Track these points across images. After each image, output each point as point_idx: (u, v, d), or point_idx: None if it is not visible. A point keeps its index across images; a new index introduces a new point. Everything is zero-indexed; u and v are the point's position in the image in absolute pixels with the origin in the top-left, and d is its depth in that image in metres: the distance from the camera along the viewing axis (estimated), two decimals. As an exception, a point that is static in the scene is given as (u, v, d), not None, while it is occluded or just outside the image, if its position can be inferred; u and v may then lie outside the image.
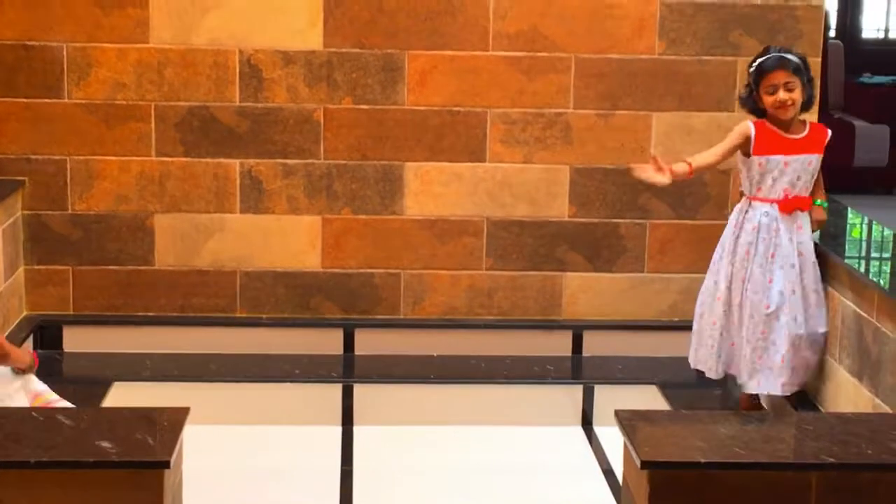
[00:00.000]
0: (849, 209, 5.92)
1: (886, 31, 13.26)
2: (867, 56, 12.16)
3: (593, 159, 5.90)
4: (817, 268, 5.01)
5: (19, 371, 4.25)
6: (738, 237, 5.04)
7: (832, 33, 12.44)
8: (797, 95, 4.91)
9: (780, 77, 4.90)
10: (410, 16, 5.75)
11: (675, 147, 5.88)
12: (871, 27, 13.21)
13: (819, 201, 5.08)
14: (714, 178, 5.92)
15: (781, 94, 4.89)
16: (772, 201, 4.97)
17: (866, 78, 11.47)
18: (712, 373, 5.15)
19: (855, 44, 12.46)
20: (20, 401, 4.22)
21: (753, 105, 5.04)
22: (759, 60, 4.98)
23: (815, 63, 5.82)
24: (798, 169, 4.95)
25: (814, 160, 4.99)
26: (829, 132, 5.04)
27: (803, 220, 5.01)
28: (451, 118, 5.84)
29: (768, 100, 4.94)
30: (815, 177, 5.04)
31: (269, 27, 5.73)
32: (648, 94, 5.85)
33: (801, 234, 5.00)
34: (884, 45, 13.16)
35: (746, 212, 5.03)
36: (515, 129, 5.86)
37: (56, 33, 5.67)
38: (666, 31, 5.80)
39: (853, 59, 11.42)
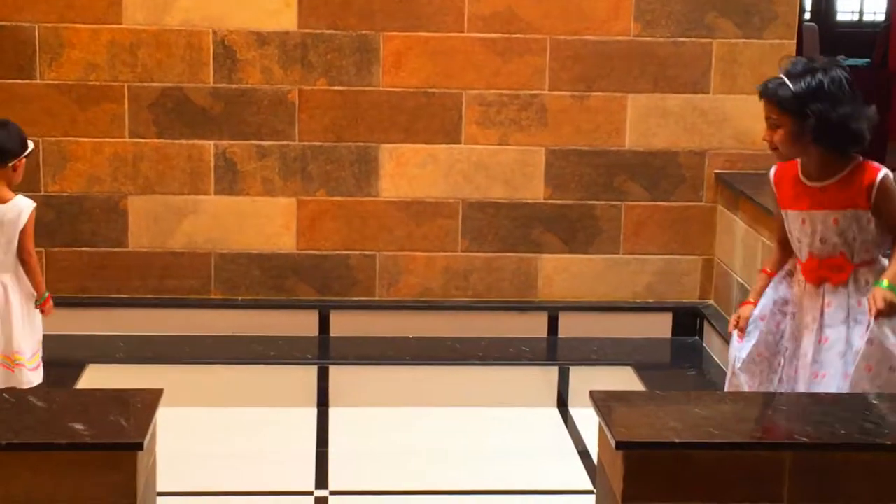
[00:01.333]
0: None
1: (861, 13, 13.31)
2: (841, 39, 12.20)
3: (569, 141, 5.90)
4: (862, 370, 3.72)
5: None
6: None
7: (807, 16, 12.48)
8: (780, 136, 3.73)
9: (765, 109, 3.81)
10: (385, -4, 5.73)
11: (650, 129, 5.88)
12: (846, 10, 13.26)
13: (886, 283, 3.67)
14: (688, 159, 5.92)
15: (765, 132, 3.83)
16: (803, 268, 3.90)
17: (841, 60, 11.47)
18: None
19: (830, 26, 12.51)
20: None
21: None
22: None
23: (790, 45, 5.85)
24: (820, 229, 3.79)
25: (841, 218, 3.75)
26: (883, 175, 3.73)
27: (834, 297, 3.82)
28: (427, 100, 5.82)
29: None
30: (870, 239, 3.77)
31: (244, 8, 5.70)
32: (624, 76, 5.85)
33: (829, 317, 3.82)
34: (858, 27, 13.21)
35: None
36: (491, 110, 5.85)
37: (28, 13, 5.62)
38: (641, 12, 5.80)
39: (828, 42, 11.44)
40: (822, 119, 3.66)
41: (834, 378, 3.77)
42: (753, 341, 3.95)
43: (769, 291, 3.98)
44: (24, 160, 4.59)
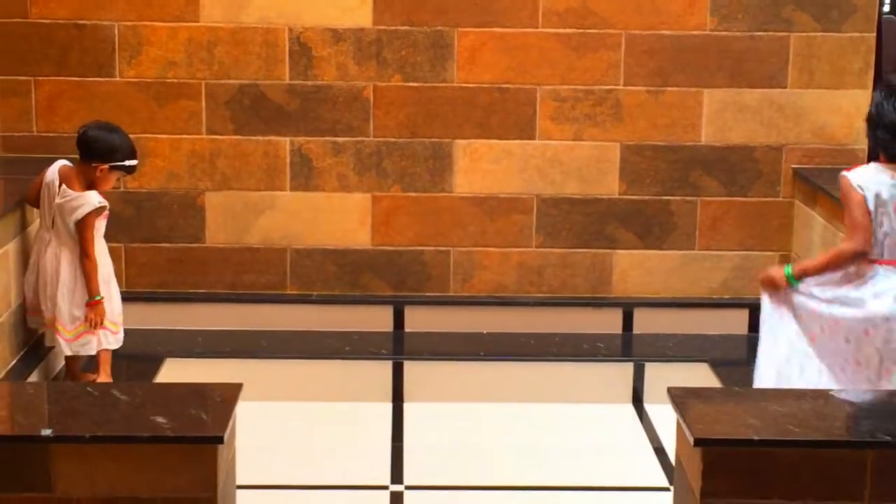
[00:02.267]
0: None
1: (942, 5, 13.07)
2: (922, 31, 11.98)
3: (644, 136, 5.86)
4: None
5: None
6: None
7: (886, 8, 12.27)
8: None
9: None
10: (460, -8, 5.74)
11: (726, 124, 5.83)
12: (927, 1, 13.03)
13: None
14: (765, 154, 5.87)
15: None
16: None
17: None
18: None
19: (909, 19, 12.28)
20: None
21: None
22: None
23: (870, 39, 5.77)
24: None
25: None
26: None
27: None
28: (501, 95, 5.82)
29: None
30: None
31: (319, 5, 5.73)
32: (700, 71, 5.80)
33: None
34: (939, 19, 12.96)
35: None
36: (565, 106, 5.83)
37: (107, 12, 5.70)
38: (717, 6, 5.75)
39: (908, 35, 11.25)
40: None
41: None
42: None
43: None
44: (107, 170, 4.85)
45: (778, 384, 4.33)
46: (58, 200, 4.86)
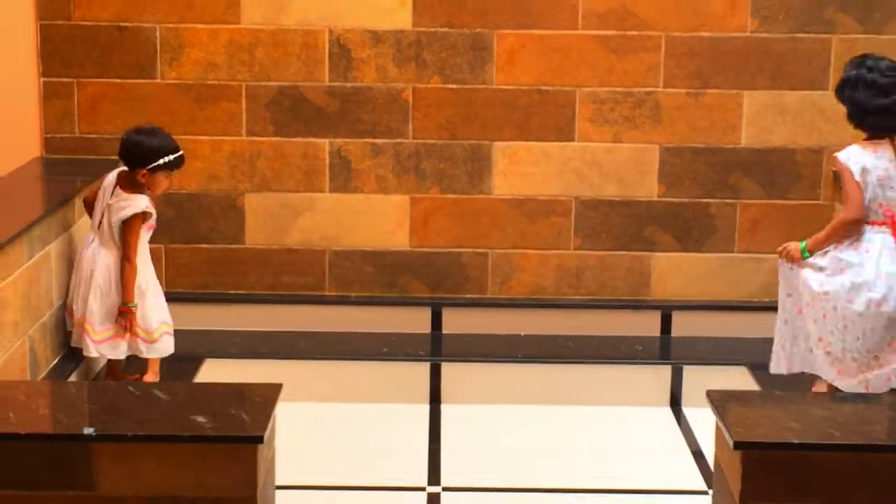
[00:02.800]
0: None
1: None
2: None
3: (683, 138, 5.85)
4: None
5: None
6: None
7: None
8: None
9: None
10: (499, -6, 5.74)
11: (766, 126, 5.81)
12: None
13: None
14: (805, 157, 5.84)
15: None
16: None
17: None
18: None
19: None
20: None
21: None
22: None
23: (914, 40, 5.74)
24: None
25: None
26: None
27: None
28: (540, 97, 5.82)
29: None
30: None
31: (359, 7, 5.75)
32: (740, 73, 5.78)
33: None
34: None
35: None
36: (604, 108, 5.82)
37: (149, 14, 5.74)
38: (758, 8, 5.73)
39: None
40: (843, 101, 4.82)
41: None
42: None
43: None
44: (149, 174, 4.90)
45: (782, 359, 4.97)
46: (109, 201, 4.90)
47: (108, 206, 4.92)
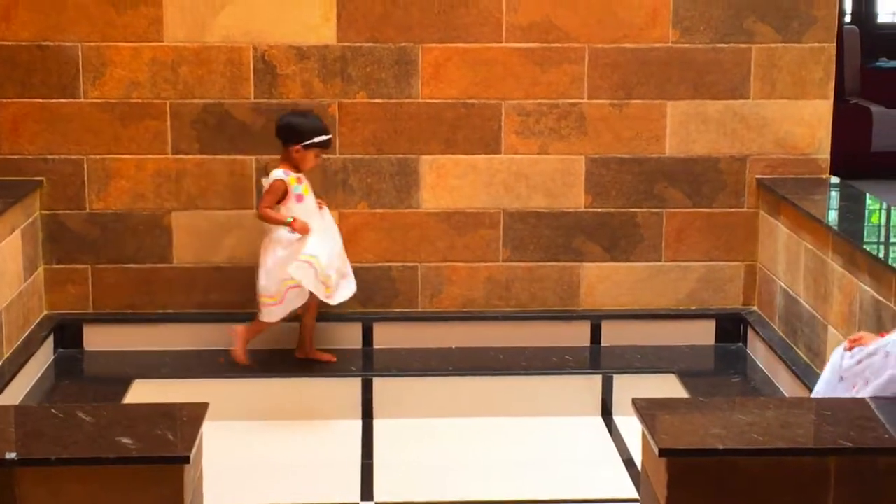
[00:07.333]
0: (867, 195, 5.90)
1: (903, 15, 13.19)
2: (883, 41, 12.11)
3: (608, 149, 5.89)
4: None
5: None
6: None
7: (847, 18, 12.39)
8: None
9: None
10: (423, 9, 5.75)
11: (690, 136, 5.87)
12: (887, 11, 13.16)
13: None
14: (729, 165, 5.91)
15: None
16: None
17: (882, 63, 11.43)
18: None
19: (870, 29, 12.42)
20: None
21: None
22: None
23: (831, 49, 5.83)
24: None
25: None
26: None
27: None
28: (466, 110, 5.84)
29: None
30: None
31: (283, 23, 5.74)
32: (663, 83, 5.84)
33: None
34: (900, 29, 13.09)
35: None
36: (530, 120, 5.86)
37: (70, 33, 5.69)
38: (679, 19, 5.79)
39: (869, 44, 11.37)
40: None
41: None
42: None
43: None
44: (302, 150, 5.45)
45: None
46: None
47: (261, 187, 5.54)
